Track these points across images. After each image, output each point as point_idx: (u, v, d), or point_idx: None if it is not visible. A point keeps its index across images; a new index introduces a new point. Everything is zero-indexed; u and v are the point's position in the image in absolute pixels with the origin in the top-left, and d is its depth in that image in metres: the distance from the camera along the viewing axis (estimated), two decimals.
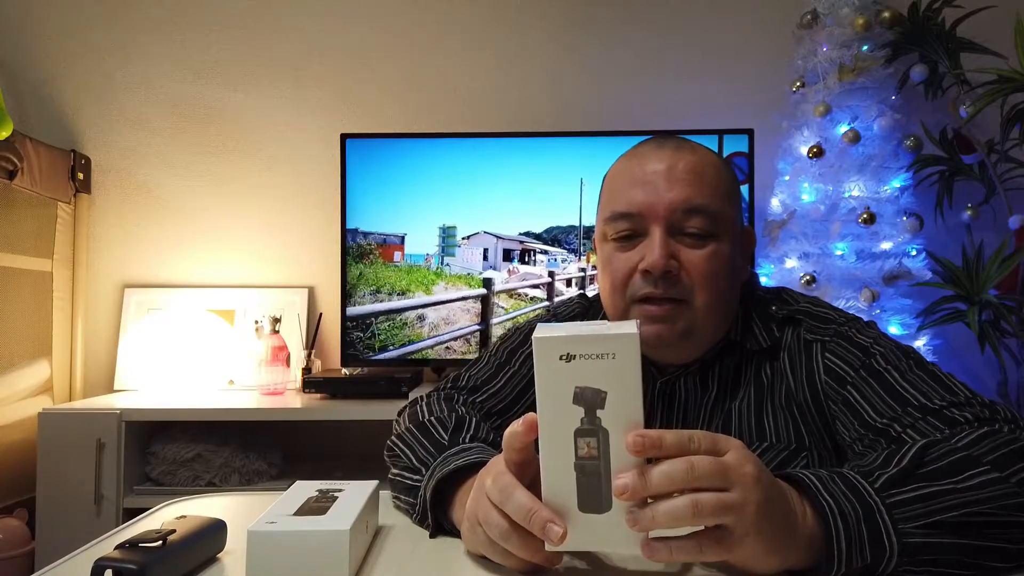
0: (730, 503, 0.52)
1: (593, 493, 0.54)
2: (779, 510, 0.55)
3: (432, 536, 0.71)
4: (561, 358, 0.53)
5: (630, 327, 0.54)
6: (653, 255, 0.80)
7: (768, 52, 2.21)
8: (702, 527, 0.54)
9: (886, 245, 1.86)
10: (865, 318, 0.88)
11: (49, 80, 2.30)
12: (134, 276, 2.29)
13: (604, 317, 0.92)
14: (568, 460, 0.54)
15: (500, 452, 0.61)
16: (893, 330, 1.84)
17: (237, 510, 0.80)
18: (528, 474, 0.58)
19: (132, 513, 1.68)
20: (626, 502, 0.53)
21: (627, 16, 2.29)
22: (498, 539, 0.58)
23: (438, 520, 0.71)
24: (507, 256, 2.09)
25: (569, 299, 1.06)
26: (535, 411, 0.56)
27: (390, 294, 2.09)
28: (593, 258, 2.08)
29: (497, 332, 2.09)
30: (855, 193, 1.87)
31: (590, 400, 0.53)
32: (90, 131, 2.30)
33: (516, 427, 0.57)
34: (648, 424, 0.54)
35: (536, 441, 0.56)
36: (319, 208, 2.28)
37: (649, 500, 0.53)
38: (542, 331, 0.54)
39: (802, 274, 1.87)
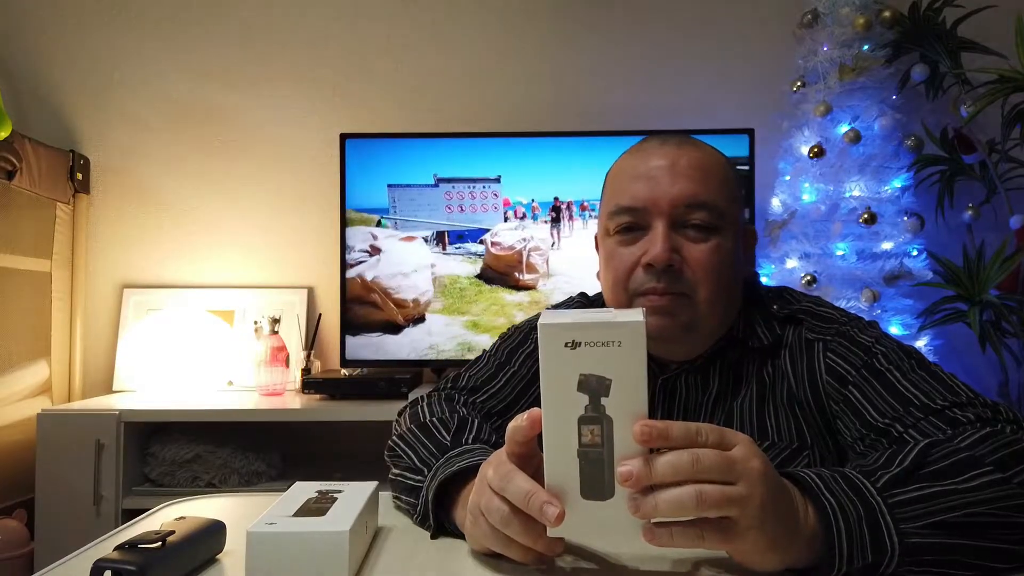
0: (734, 496, 0.52)
1: (596, 480, 0.54)
2: (783, 507, 0.55)
3: (433, 537, 0.71)
4: (567, 345, 0.53)
5: (636, 315, 0.54)
6: (656, 248, 0.80)
7: (768, 52, 2.21)
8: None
9: (887, 245, 1.86)
10: (866, 318, 0.88)
11: (48, 80, 2.29)
12: (133, 276, 2.29)
13: None
14: (571, 447, 0.54)
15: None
16: (894, 330, 1.83)
17: (236, 511, 0.79)
18: (530, 468, 0.58)
19: (131, 514, 1.68)
20: (628, 490, 0.53)
21: (627, 16, 2.29)
22: (499, 525, 0.58)
23: (440, 521, 0.71)
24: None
25: (569, 299, 1.05)
26: (538, 408, 0.55)
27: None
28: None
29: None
30: (856, 193, 1.87)
31: (595, 388, 0.53)
32: (89, 131, 2.30)
33: (520, 421, 0.57)
34: (651, 419, 0.54)
35: (539, 437, 0.56)
36: (318, 208, 2.28)
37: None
38: (547, 318, 0.54)
39: (803, 274, 1.87)
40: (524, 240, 2.08)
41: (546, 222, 2.09)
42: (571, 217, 2.08)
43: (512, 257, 2.08)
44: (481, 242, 2.11)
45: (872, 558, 0.56)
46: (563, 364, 0.53)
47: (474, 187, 2.09)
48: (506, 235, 2.10)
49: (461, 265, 2.11)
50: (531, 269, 2.09)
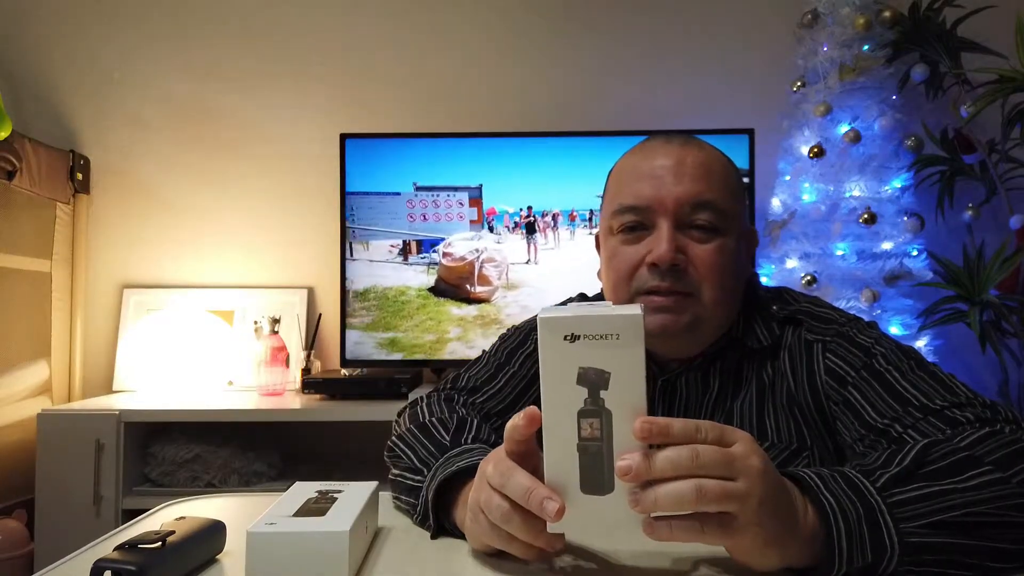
0: (734, 492, 0.52)
1: (595, 474, 0.54)
2: (782, 505, 0.55)
3: (433, 537, 0.71)
4: (566, 338, 0.53)
5: (634, 308, 0.54)
6: (661, 248, 0.80)
7: (768, 52, 2.21)
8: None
9: (887, 245, 1.86)
10: (866, 318, 0.88)
11: (48, 80, 2.29)
12: (133, 276, 2.29)
13: None
14: (571, 441, 0.54)
15: None
16: (894, 330, 1.83)
17: (236, 511, 0.79)
18: (528, 466, 0.58)
19: (131, 514, 1.68)
20: (628, 485, 0.53)
21: (627, 16, 2.29)
22: (499, 522, 0.58)
23: (440, 521, 0.71)
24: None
25: (568, 299, 1.05)
26: (536, 406, 0.56)
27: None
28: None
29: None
30: (856, 193, 1.87)
31: (594, 381, 0.53)
32: (89, 131, 2.30)
33: (517, 420, 0.57)
34: (651, 415, 0.54)
35: (537, 434, 0.56)
36: (318, 208, 2.28)
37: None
38: (547, 312, 0.55)
39: (803, 274, 1.87)
40: (477, 251, 2.00)
41: (526, 233, 2.03)
42: (556, 226, 2.01)
43: (463, 268, 2.00)
44: (435, 251, 2.05)
45: (872, 557, 0.56)
46: (562, 357, 0.53)
47: (438, 195, 2.05)
48: (459, 245, 2.02)
49: (417, 276, 2.06)
50: (484, 281, 2.00)
